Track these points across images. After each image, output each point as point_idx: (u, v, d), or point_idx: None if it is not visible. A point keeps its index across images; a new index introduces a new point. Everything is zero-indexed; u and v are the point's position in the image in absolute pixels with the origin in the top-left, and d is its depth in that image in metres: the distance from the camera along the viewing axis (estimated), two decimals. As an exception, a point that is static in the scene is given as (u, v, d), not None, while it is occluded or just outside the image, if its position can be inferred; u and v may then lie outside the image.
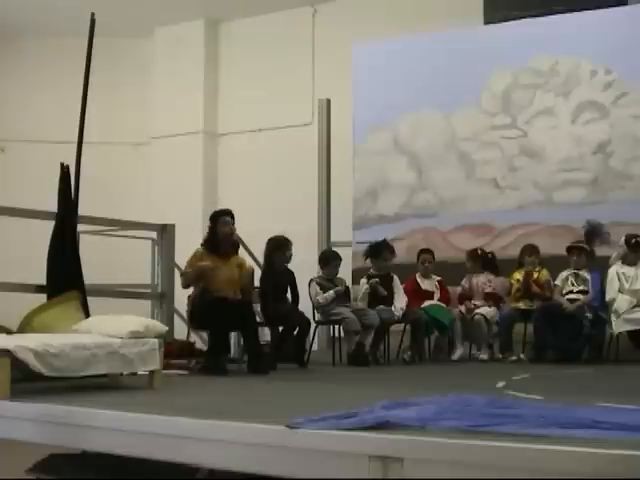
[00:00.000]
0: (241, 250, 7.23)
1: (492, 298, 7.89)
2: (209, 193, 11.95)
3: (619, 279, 7.27)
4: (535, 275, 7.74)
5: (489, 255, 8.14)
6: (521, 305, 7.67)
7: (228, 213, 6.78)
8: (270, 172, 11.31)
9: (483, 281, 7.98)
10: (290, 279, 7.26)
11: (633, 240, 7.32)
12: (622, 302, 7.20)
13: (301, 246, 7.73)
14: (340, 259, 7.58)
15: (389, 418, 3.05)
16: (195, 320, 6.71)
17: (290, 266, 7.35)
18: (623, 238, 7.42)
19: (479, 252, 8.13)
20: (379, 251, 7.69)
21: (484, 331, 7.68)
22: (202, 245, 6.72)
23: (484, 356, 7.66)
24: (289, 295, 7.26)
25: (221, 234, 6.64)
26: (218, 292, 6.42)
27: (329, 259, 7.57)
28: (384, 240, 7.83)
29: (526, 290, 7.66)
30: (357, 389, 5.33)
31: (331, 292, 7.24)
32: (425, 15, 10.26)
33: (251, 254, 8.46)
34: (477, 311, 7.73)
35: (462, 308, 7.88)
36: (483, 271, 8.04)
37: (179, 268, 8.22)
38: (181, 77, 12.00)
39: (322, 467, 2.95)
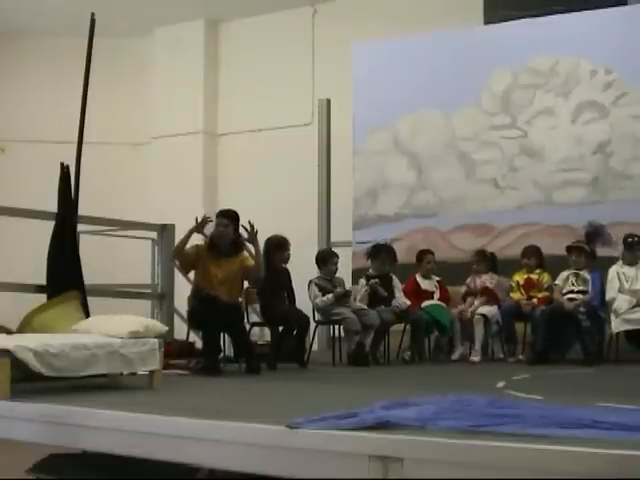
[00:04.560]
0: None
1: (489, 294, 7.88)
2: (209, 193, 11.95)
3: (619, 279, 7.27)
4: (536, 278, 7.74)
5: (489, 255, 8.16)
6: (521, 297, 7.66)
7: (224, 214, 6.71)
8: (270, 172, 11.31)
9: (486, 278, 8.00)
10: (286, 278, 7.27)
11: (629, 239, 7.32)
12: (622, 302, 7.19)
13: (301, 246, 7.74)
14: (337, 257, 7.58)
15: (389, 418, 3.05)
16: (190, 320, 6.73)
17: (290, 266, 7.35)
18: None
19: (487, 253, 8.16)
20: (378, 253, 7.68)
21: (480, 332, 7.67)
22: (204, 242, 6.73)
23: (475, 358, 7.64)
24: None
25: (213, 235, 6.63)
26: (211, 291, 6.42)
27: (326, 258, 7.57)
28: (386, 244, 7.83)
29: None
30: (357, 389, 5.33)
31: (330, 296, 7.23)
32: (425, 15, 10.26)
33: (251, 254, 8.44)
34: (478, 311, 7.73)
35: (463, 307, 7.87)
36: (488, 271, 8.05)
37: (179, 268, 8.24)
38: (181, 77, 11.99)
39: (322, 467, 2.95)
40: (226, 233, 6.59)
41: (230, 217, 6.66)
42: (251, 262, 6.70)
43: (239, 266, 6.64)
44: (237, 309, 6.55)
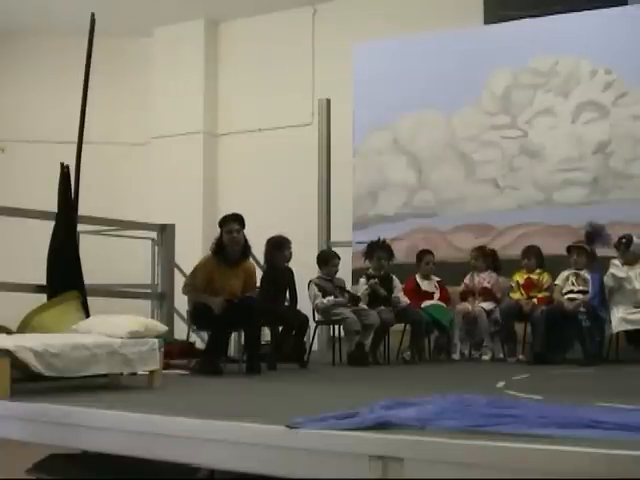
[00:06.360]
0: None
1: (488, 294, 7.90)
2: (209, 193, 11.95)
3: (619, 279, 7.25)
4: (536, 278, 7.74)
5: (491, 253, 8.19)
6: (521, 297, 7.67)
7: (234, 219, 6.50)
8: (270, 172, 11.31)
9: (484, 277, 8.01)
10: (289, 278, 7.26)
11: (624, 239, 7.31)
12: (622, 302, 7.20)
13: (301, 246, 7.74)
14: (338, 258, 7.58)
15: (389, 418, 3.05)
16: (198, 320, 6.64)
17: (290, 266, 7.35)
18: None
19: (487, 250, 8.18)
20: (373, 251, 7.67)
21: (485, 325, 7.69)
22: (211, 250, 6.56)
23: (486, 357, 7.69)
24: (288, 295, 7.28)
25: (225, 242, 6.46)
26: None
27: (327, 259, 7.57)
28: (378, 240, 7.79)
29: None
30: (357, 389, 5.33)
31: (331, 298, 7.22)
32: (425, 15, 10.26)
33: (251, 254, 8.45)
34: (479, 305, 7.79)
35: (465, 305, 7.88)
36: (487, 270, 8.06)
37: (179, 268, 8.24)
38: (181, 77, 12.00)
39: (322, 467, 2.95)
40: (239, 239, 6.44)
41: (241, 221, 6.49)
42: (253, 282, 6.65)
43: (243, 278, 6.54)
44: (254, 304, 6.39)
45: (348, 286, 7.83)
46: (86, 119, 6.80)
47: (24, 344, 4.39)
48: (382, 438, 2.87)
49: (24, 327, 5.63)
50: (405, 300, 7.61)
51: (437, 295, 7.99)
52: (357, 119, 9.80)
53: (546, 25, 9.01)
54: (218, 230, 6.59)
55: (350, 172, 9.83)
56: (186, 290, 6.60)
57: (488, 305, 7.82)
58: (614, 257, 7.39)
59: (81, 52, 6.84)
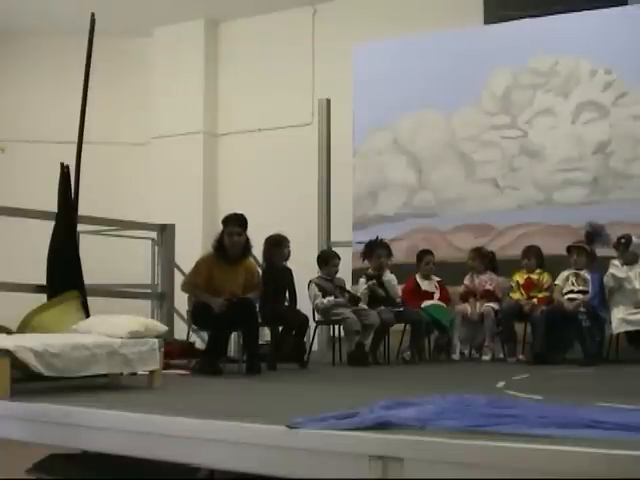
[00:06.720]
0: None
1: (490, 295, 7.90)
2: (209, 193, 11.95)
3: (619, 279, 7.25)
4: (536, 278, 7.74)
5: (489, 254, 8.18)
6: (521, 297, 7.67)
7: (236, 222, 6.49)
8: (270, 172, 11.31)
9: (485, 279, 8.00)
10: (288, 278, 7.26)
11: (623, 239, 7.31)
12: (622, 302, 7.20)
13: (301, 246, 7.74)
14: (339, 258, 7.58)
15: (389, 418, 3.05)
16: (198, 320, 6.64)
17: (290, 266, 7.35)
18: None
19: (484, 251, 8.17)
20: (372, 250, 7.68)
21: (490, 325, 7.69)
22: (212, 247, 6.57)
23: (486, 357, 7.70)
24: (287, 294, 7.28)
25: (226, 244, 6.47)
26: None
27: (328, 258, 7.58)
28: (377, 238, 7.80)
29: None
30: (357, 389, 5.33)
31: (331, 298, 7.23)
32: (425, 15, 10.27)
33: (251, 254, 8.45)
34: (487, 304, 7.78)
35: (465, 306, 7.88)
36: (486, 270, 8.06)
37: (179, 268, 8.24)
38: (181, 77, 12.00)
39: (322, 467, 2.95)
40: (240, 242, 6.45)
41: (243, 223, 6.49)
42: (254, 282, 6.63)
43: (244, 277, 6.54)
44: (252, 305, 6.39)
45: (348, 286, 7.83)
46: (86, 119, 6.80)
47: (24, 344, 4.39)
48: (382, 438, 2.87)
49: (24, 327, 5.63)
50: (398, 293, 7.63)
51: (437, 295, 7.99)
52: (357, 119, 9.80)
53: (546, 25, 9.01)
54: (219, 228, 6.61)
55: (350, 172, 9.83)
56: (185, 288, 6.62)
57: (496, 305, 7.82)
58: (614, 257, 7.40)
59: (81, 52, 6.85)
